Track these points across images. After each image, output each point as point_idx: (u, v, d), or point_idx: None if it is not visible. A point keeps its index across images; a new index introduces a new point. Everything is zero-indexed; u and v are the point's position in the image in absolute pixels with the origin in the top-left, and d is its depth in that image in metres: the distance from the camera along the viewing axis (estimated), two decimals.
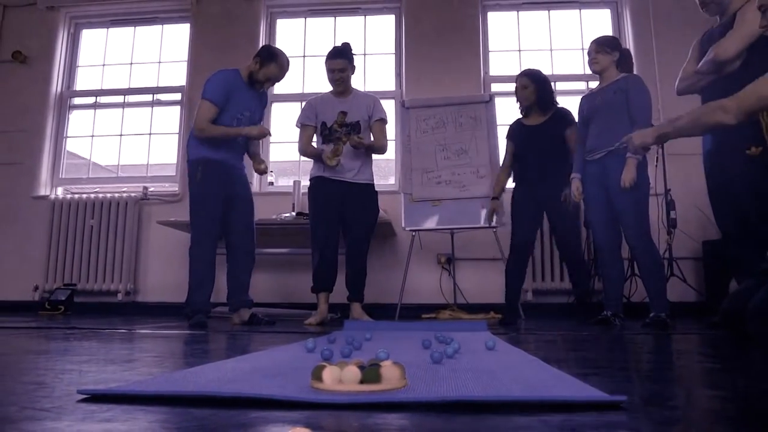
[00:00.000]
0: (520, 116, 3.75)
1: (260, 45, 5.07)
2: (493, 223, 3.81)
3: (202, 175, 3.18)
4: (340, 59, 3.49)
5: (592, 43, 3.37)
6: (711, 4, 2.89)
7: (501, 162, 3.82)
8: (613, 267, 3.24)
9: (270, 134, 3.43)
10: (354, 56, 3.58)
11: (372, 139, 3.55)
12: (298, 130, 3.60)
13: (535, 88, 3.56)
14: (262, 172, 3.38)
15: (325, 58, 3.55)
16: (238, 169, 3.34)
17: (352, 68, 3.57)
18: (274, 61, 3.29)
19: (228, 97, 3.23)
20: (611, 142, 3.08)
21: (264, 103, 3.51)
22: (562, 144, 3.54)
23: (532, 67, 3.74)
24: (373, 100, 3.61)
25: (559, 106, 3.65)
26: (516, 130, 3.70)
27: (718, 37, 2.77)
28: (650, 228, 3.10)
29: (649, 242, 3.06)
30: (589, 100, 3.38)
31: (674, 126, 2.35)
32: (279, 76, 3.36)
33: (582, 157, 3.35)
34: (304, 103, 3.72)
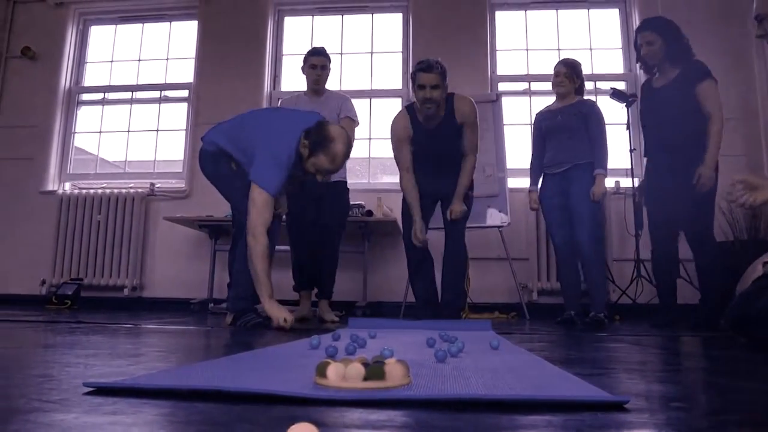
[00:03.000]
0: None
1: (267, 43, 5.10)
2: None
3: (238, 169, 2.76)
4: (320, 56, 3.59)
5: (563, 65, 3.55)
6: (432, 104, 3.08)
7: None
8: (572, 270, 3.45)
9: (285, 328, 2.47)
10: (331, 59, 3.68)
11: None
12: None
13: (663, 41, 3.23)
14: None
15: (306, 54, 3.63)
16: None
17: (329, 69, 3.67)
18: (323, 150, 2.60)
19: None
20: (571, 159, 3.37)
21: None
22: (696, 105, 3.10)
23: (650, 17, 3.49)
24: (343, 99, 3.65)
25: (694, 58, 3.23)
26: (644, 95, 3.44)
27: (435, 132, 3.18)
28: (602, 234, 3.41)
29: (599, 247, 3.37)
30: (548, 118, 3.55)
31: None
32: (330, 169, 2.66)
33: (540, 172, 3.55)
34: (280, 101, 3.77)
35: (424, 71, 3.05)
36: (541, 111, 3.66)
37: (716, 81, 3.13)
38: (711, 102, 3.07)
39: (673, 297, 3.27)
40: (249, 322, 2.67)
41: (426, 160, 3.24)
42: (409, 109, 3.27)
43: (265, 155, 2.61)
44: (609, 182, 4.13)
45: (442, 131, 3.18)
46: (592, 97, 3.86)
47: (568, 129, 3.42)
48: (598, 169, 3.31)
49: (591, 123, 3.38)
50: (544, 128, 3.53)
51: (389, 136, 3.28)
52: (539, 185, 3.55)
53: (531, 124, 4.82)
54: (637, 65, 3.57)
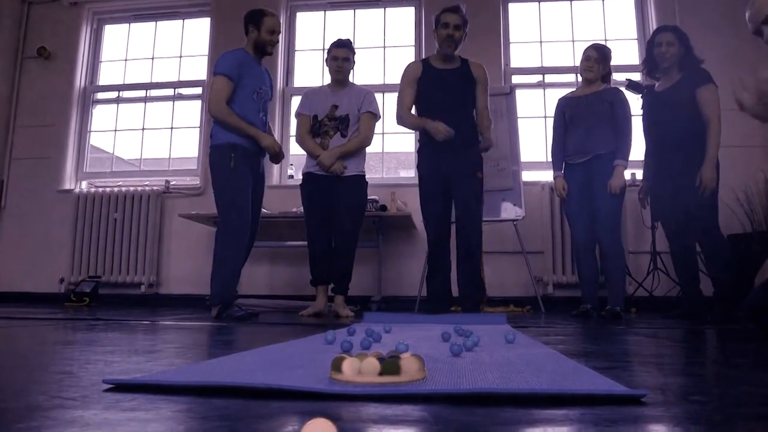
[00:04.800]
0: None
1: (279, 39, 5.12)
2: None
3: (236, 162, 3.05)
4: (344, 48, 3.59)
5: (594, 49, 3.49)
6: (453, 43, 3.29)
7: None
8: (591, 264, 3.43)
9: (282, 155, 3.30)
10: (355, 53, 3.69)
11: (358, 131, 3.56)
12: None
13: (680, 45, 3.29)
14: (277, 156, 3.26)
15: (330, 46, 3.65)
16: (260, 156, 3.27)
17: (353, 62, 3.66)
18: (265, 15, 3.24)
19: (242, 72, 3.13)
20: (595, 148, 3.35)
21: (271, 82, 3.45)
22: (695, 109, 3.19)
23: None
24: (365, 93, 3.63)
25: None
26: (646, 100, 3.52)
27: (447, 78, 3.29)
28: (621, 228, 3.41)
29: (619, 240, 3.35)
30: (572, 104, 3.49)
31: None
32: (278, 24, 3.29)
33: (562, 157, 3.51)
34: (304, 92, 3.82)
35: (450, 11, 3.26)
36: (564, 97, 3.61)
37: (716, 86, 3.18)
38: (710, 106, 3.14)
39: (697, 289, 3.27)
40: (233, 315, 2.90)
41: (436, 111, 3.22)
42: (423, 60, 3.38)
43: (215, 65, 3.15)
44: (626, 174, 4.10)
45: (454, 78, 3.27)
46: None
47: (593, 116, 3.38)
48: (619, 159, 3.29)
49: (617, 111, 3.35)
50: (568, 115, 3.48)
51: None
52: (562, 171, 3.52)
53: (545, 117, 4.84)
54: (642, 67, 3.57)
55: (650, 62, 3.41)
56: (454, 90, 3.26)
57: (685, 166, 3.16)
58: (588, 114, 3.39)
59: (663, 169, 3.31)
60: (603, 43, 3.72)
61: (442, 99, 3.25)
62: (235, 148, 3.08)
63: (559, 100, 3.62)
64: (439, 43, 3.29)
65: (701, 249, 3.24)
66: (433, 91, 3.27)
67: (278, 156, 3.24)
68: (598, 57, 3.45)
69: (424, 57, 3.46)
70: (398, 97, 3.37)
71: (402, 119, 3.34)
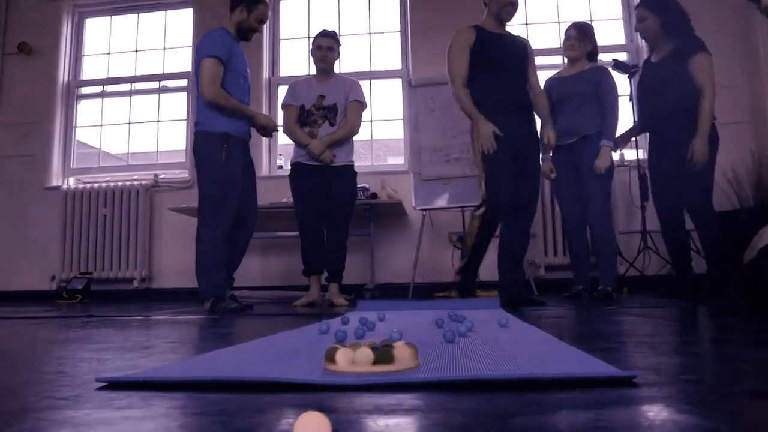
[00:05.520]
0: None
1: (264, 28, 5.06)
2: None
3: (228, 154, 2.98)
4: (328, 38, 3.61)
5: (573, 28, 3.48)
6: (514, 9, 3.15)
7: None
8: (582, 244, 3.41)
9: (277, 129, 3.32)
10: (340, 43, 3.70)
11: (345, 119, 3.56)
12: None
13: (656, 18, 3.28)
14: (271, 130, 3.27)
15: (314, 36, 3.67)
16: (248, 143, 3.23)
17: (338, 52, 3.68)
18: (260, 2, 3.14)
19: (230, 54, 3.02)
20: (581, 129, 3.31)
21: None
22: (688, 81, 3.17)
23: None
24: (351, 82, 3.66)
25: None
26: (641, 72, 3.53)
27: (505, 43, 3.09)
28: (611, 209, 3.39)
29: (609, 220, 3.33)
30: (557, 85, 3.47)
31: None
32: (267, 15, 3.23)
33: None
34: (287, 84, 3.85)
35: None
36: (551, 78, 3.59)
37: (710, 54, 3.15)
38: (703, 75, 3.10)
39: (689, 267, 3.29)
40: (227, 308, 2.88)
41: (496, 71, 3.05)
42: (474, 26, 3.14)
43: (201, 47, 3.02)
44: (613, 155, 4.11)
45: (512, 43, 3.14)
46: None
47: (578, 97, 3.36)
48: (605, 140, 3.27)
49: (602, 90, 3.33)
50: (554, 96, 3.46)
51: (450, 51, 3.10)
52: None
53: None
54: (641, 39, 3.59)
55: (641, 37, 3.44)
56: (515, 54, 3.09)
57: (679, 137, 3.14)
58: (574, 94, 3.38)
59: (658, 142, 3.30)
60: (590, 23, 3.71)
61: (503, 60, 3.05)
62: (228, 138, 3.00)
63: (546, 81, 3.60)
64: (499, 9, 3.06)
65: (696, 227, 3.24)
66: (492, 52, 3.04)
67: (270, 133, 3.26)
68: (578, 35, 3.44)
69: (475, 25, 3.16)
70: (450, 69, 3.07)
71: (459, 98, 3.03)
